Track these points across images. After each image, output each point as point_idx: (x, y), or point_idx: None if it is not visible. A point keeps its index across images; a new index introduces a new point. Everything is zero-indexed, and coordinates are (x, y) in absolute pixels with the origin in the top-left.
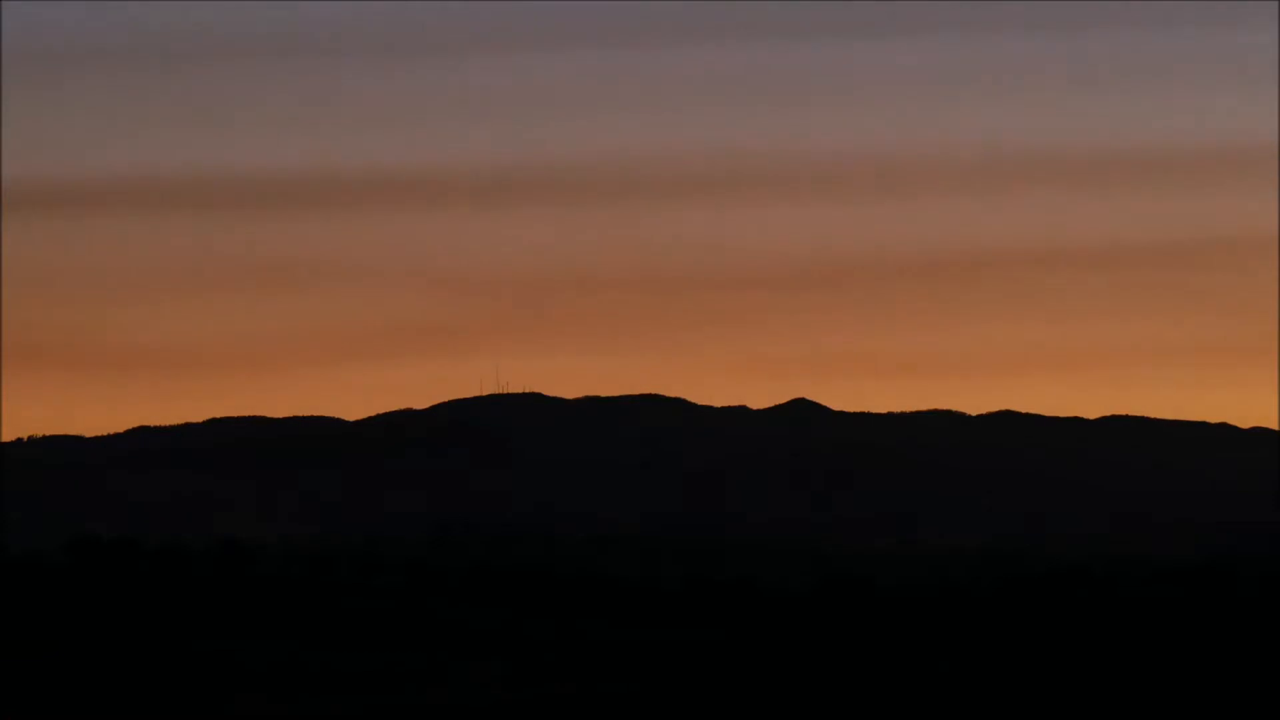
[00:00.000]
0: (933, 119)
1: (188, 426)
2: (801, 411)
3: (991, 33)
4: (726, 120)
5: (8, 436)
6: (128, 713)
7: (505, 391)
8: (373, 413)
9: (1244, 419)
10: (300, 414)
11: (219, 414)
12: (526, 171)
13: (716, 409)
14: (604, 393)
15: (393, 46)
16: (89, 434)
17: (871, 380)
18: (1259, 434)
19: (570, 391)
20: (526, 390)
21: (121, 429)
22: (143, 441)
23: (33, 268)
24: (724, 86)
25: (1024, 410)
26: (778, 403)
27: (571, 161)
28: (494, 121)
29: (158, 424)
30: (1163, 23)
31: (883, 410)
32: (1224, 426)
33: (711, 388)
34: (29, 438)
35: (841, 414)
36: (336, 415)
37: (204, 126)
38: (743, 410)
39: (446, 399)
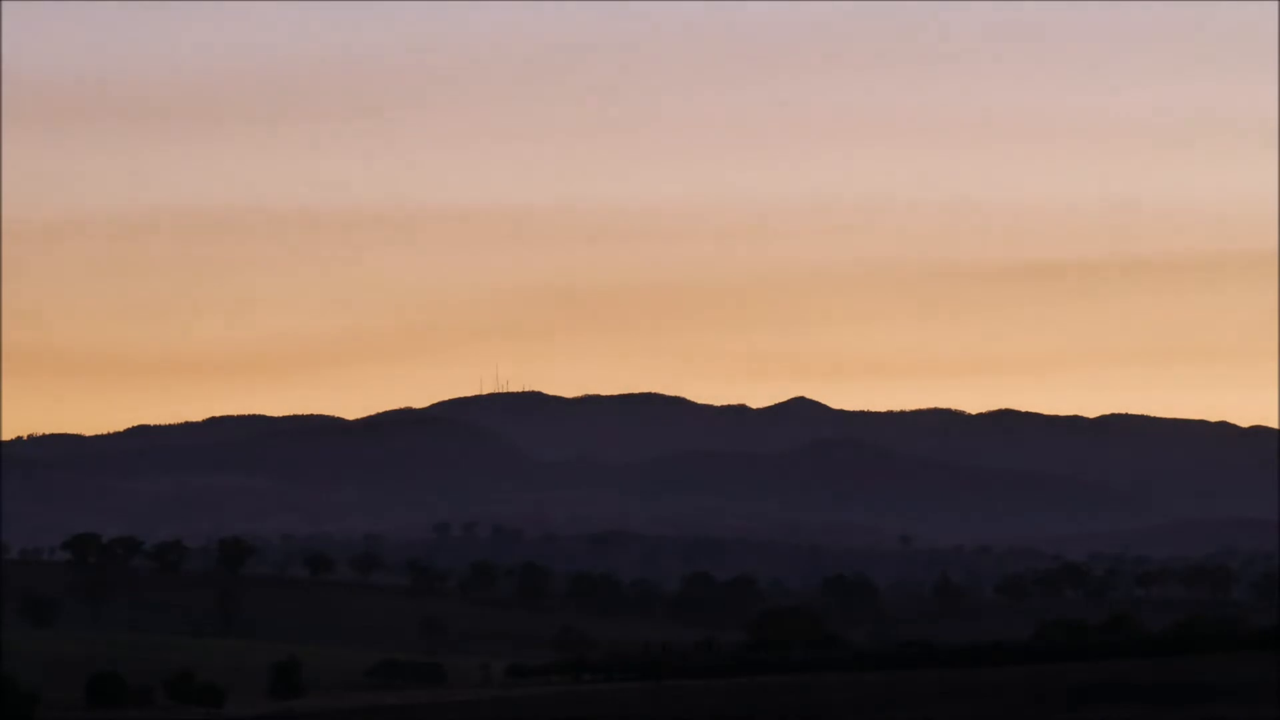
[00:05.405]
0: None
1: (188, 426)
2: (801, 410)
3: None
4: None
5: (8, 436)
6: (127, 711)
7: (505, 391)
8: (373, 412)
9: (1244, 419)
10: (300, 413)
11: (219, 414)
12: (529, 181)
13: (716, 408)
14: (604, 392)
15: (395, 88)
16: (89, 434)
17: (871, 380)
18: (1259, 433)
19: (570, 391)
20: (526, 390)
21: (121, 429)
22: (143, 441)
23: (45, 276)
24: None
25: (1024, 410)
26: (778, 402)
27: (572, 175)
28: (486, 142)
29: (158, 424)
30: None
31: (883, 409)
32: (1224, 426)
33: (711, 387)
34: (29, 437)
35: (841, 413)
36: (336, 415)
37: (232, 161)
38: (743, 409)
39: (446, 398)
